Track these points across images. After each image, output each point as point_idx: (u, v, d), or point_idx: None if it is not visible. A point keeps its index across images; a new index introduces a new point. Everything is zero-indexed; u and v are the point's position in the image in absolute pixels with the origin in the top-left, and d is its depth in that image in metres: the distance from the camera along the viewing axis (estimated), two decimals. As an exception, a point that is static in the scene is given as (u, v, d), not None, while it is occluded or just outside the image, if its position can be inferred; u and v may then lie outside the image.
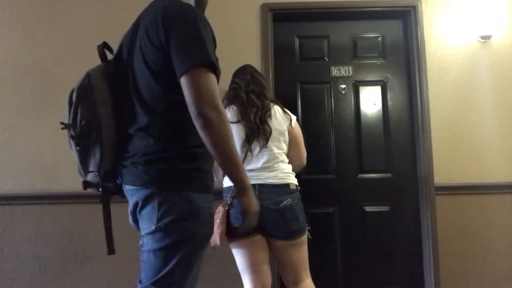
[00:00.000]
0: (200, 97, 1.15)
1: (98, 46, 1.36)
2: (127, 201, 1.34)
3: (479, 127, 2.70)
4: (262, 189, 1.87)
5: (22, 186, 2.61)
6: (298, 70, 2.86)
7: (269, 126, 1.93)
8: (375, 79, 2.87)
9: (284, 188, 1.92)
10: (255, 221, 1.30)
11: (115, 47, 1.42)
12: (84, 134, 1.26)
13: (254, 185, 1.85)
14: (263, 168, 1.93)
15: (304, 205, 2.69)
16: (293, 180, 1.97)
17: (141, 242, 1.26)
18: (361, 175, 2.80)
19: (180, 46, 1.19)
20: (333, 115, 2.83)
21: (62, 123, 1.33)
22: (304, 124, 2.80)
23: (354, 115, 2.83)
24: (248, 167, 1.93)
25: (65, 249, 2.58)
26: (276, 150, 1.96)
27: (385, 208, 2.78)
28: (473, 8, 2.72)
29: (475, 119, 2.70)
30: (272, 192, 1.88)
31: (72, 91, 1.32)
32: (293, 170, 2.05)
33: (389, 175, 2.80)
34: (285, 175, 1.95)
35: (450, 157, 2.67)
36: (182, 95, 1.18)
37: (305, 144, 2.75)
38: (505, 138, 2.69)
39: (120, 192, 1.33)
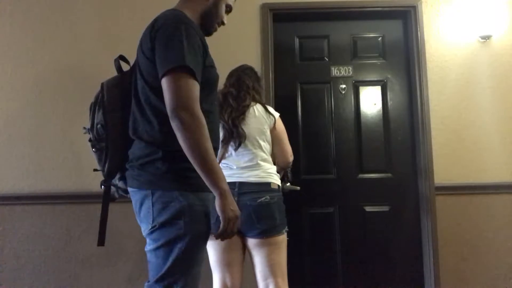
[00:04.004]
0: (174, 99, 1.20)
1: (115, 60, 1.44)
2: (127, 202, 1.40)
3: (479, 127, 2.70)
4: (242, 186, 1.88)
5: (22, 186, 2.61)
6: (298, 70, 2.86)
7: (243, 130, 1.93)
8: (375, 79, 2.87)
9: (264, 186, 1.91)
10: (232, 228, 1.26)
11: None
12: (99, 138, 1.37)
13: (234, 183, 1.89)
14: (244, 168, 1.93)
15: (304, 205, 2.73)
16: (275, 180, 1.96)
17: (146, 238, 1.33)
18: (361, 175, 2.80)
19: (159, 52, 1.26)
20: (333, 115, 2.83)
21: (84, 128, 1.44)
22: (304, 124, 2.82)
23: (354, 115, 2.83)
24: (229, 166, 1.95)
25: (65, 249, 2.59)
26: (257, 150, 1.96)
27: (385, 208, 2.78)
28: (473, 8, 2.72)
29: (475, 119, 2.70)
30: (251, 189, 1.88)
31: (92, 101, 1.43)
32: (280, 167, 2.07)
33: (389, 175, 2.80)
34: (267, 174, 1.94)
35: (450, 157, 2.67)
36: None
37: (305, 144, 2.79)
38: (505, 138, 2.69)
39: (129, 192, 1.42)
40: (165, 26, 1.28)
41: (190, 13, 1.39)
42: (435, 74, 2.73)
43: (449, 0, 2.77)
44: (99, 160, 1.40)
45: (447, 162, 2.67)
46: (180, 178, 1.28)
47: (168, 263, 1.24)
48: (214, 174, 1.22)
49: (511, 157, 2.68)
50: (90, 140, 1.40)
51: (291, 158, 2.12)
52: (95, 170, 1.43)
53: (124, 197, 1.47)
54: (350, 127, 2.82)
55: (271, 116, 2.02)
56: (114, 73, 1.45)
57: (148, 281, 1.30)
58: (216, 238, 1.29)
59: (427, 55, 2.73)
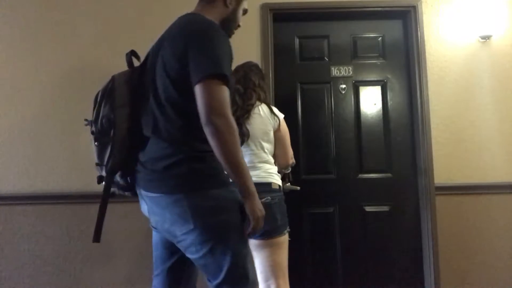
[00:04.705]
0: (210, 106, 1.23)
1: (126, 54, 1.45)
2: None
3: (479, 127, 2.70)
4: None
5: (22, 186, 2.61)
6: (298, 70, 2.86)
7: (247, 129, 1.92)
8: (375, 79, 2.87)
9: (265, 186, 1.89)
10: (260, 226, 1.32)
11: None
12: (103, 131, 1.35)
13: None
14: None
15: (304, 205, 2.73)
16: (276, 180, 1.95)
17: (188, 254, 1.33)
18: (361, 175, 2.80)
19: (196, 57, 1.27)
20: (333, 115, 2.83)
21: (86, 120, 1.42)
22: (304, 124, 2.82)
23: (354, 115, 2.83)
24: None
25: (65, 249, 2.59)
26: (259, 150, 1.95)
27: (385, 208, 2.78)
28: (473, 8, 2.72)
29: (475, 119, 2.70)
30: None
31: (98, 92, 1.41)
32: (279, 169, 2.05)
33: (389, 175, 2.80)
34: (268, 174, 1.93)
35: (450, 157, 2.67)
36: (195, 103, 1.26)
37: (305, 144, 2.79)
38: (505, 138, 2.69)
39: (132, 189, 1.42)
40: (200, 32, 1.30)
41: (210, 17, 1.40)
42: (435, 74, 2.73)
43: (449, 0, 2.77)
44: (100, 154, 1.38)
45: (447, 162, 2.67)
46: (206, 177, 1.30)
47: (228, 259, 1.27)
48: (244, 176, 1.27)
49: (511, 157, 2.68)
50: (93, 133, 1.38)
51: (291, 161, 2.11)
52: (97, 164, 1.41)
53: (122, 195, 1.46)
54: (350, 127, 2.82)
55: (275, 117, 2.01)
56: (112, 73, 1.44)
57: (210, 280, 1.32)
58: (245, 236, 1.33)
59: (427, 55, 2.73)
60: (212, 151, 1.26)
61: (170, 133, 1.31)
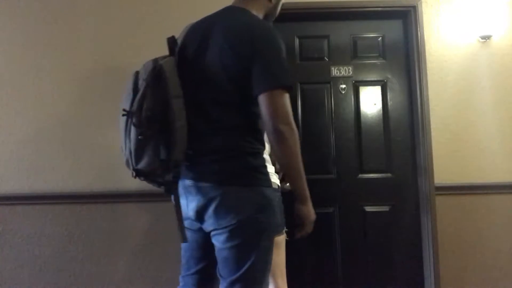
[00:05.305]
0: (277, 115, 1.28)
1: (168, 39, 1.39)
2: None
3: (479, 127, 2.70)
4: None
5: (22, 186, 2.61)
6: (298, 70, 2.86)
7: None
8: (375, 79, 2.87)
9: None
10: (311, 229, 1.41)
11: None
12: (148, 124, 1.24)
13: None
14: None
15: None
16: (275, 180, 1.92)
17: (215, 240, 1.33)
18: (361, 175, 2.80)
19: (265, 66, 1.29)
20: (333, 115, 2.83)
21: (124, 110, 1.29)
22: (304, 124, 2.82)
23: (354, 115, 2.83)
24: None
25: (65, 249, 2.59)
26: None
27: (385, 208, 2.78)
28: (473, 8, 2.72)
29: (475, 119, 2.70)
30: None
31: (136, 79, 1.31)
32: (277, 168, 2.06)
33: (389, 175, 2.80)
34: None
35: (450, 157, 2.67)
36: (252, 103, 1.30)
37: (305, 144, 2.76)
38: (505, 138, 2.69)
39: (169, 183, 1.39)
40: (267, 39, 1.31)
41: (256, 13, 1.41)
42: (435, 74, 2.73)
43: (449, 0, 2.77)
44: (140, 147, 1.25)
45: (447, 162, 2.67)
46: (259, 174, 1.34)
47: (252, 258, 1.29)
48: (304, 182, 1.34)
49: (511, 157, 2.68)
50: (134, 125, 1.24)
51: None
52: (162, 160, 1.27)
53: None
54: (350, 127, 2.82)
55: None
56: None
57: (223, 277, 1.32)
58: (296, 238, 1.42)
59: (427, 55, 2.73)
60: (262, 149, 1.32)
61: (230, 130, 1.34)
